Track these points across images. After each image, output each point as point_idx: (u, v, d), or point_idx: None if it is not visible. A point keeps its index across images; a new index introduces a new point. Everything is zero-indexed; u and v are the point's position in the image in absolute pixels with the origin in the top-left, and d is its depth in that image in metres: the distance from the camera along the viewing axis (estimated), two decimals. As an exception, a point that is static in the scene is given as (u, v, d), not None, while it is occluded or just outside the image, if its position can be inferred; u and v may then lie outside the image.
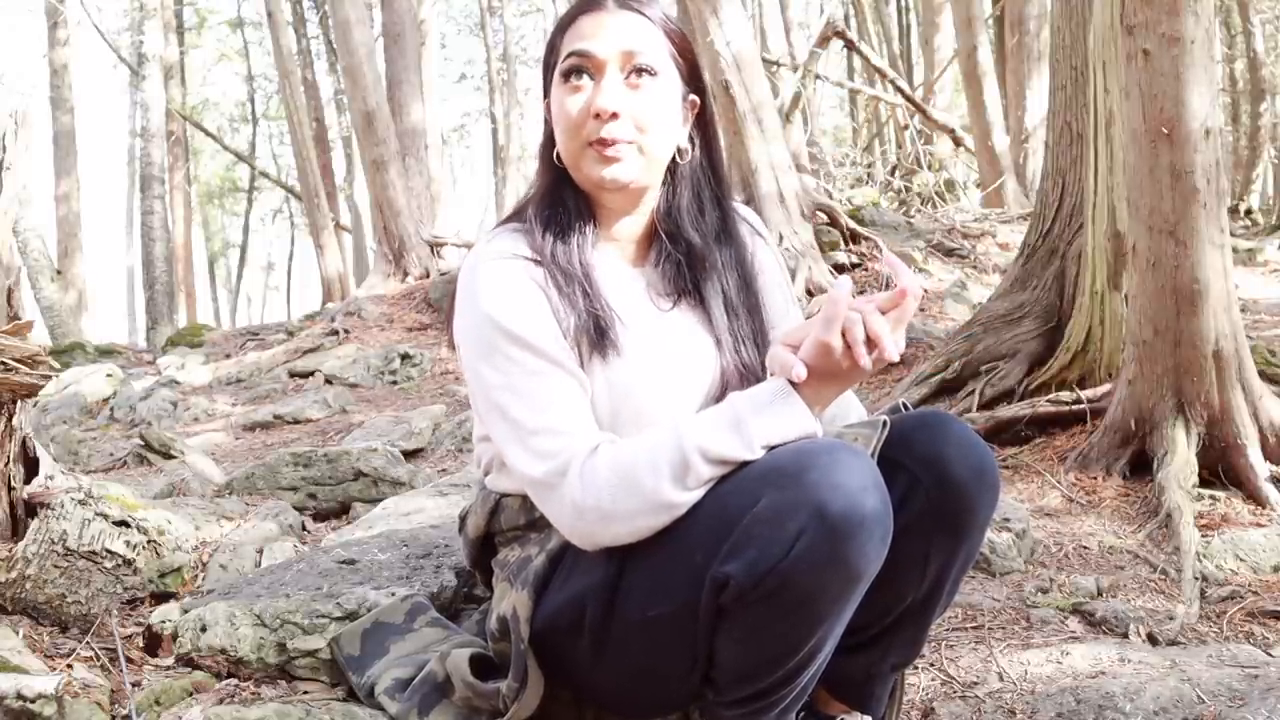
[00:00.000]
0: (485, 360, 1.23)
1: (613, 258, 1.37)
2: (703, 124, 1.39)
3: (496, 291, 1.24)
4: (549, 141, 1.35)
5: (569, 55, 1.29)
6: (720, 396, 1.33)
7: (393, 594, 1.66)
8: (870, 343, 1.08)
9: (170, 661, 1.67)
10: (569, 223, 1.32)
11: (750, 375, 1.35)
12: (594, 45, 1.28)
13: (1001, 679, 1.68)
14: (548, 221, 1.32)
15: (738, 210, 1.46)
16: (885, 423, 1.19)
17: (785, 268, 1.53)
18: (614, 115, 1.26)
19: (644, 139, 1.29)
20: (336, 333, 7.66)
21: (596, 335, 1.26)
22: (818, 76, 9.75)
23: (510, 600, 1.29)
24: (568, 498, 1.16)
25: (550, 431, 1.19)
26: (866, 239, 6.58)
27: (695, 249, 1.37)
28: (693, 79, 1.36)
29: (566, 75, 1.29)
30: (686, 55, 1.35)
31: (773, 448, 1.12)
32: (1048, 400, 3.22)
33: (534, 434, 1.19)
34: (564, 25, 1.33)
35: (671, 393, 1.31)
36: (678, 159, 1.36)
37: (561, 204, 1.33)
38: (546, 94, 1.36)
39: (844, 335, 1.08)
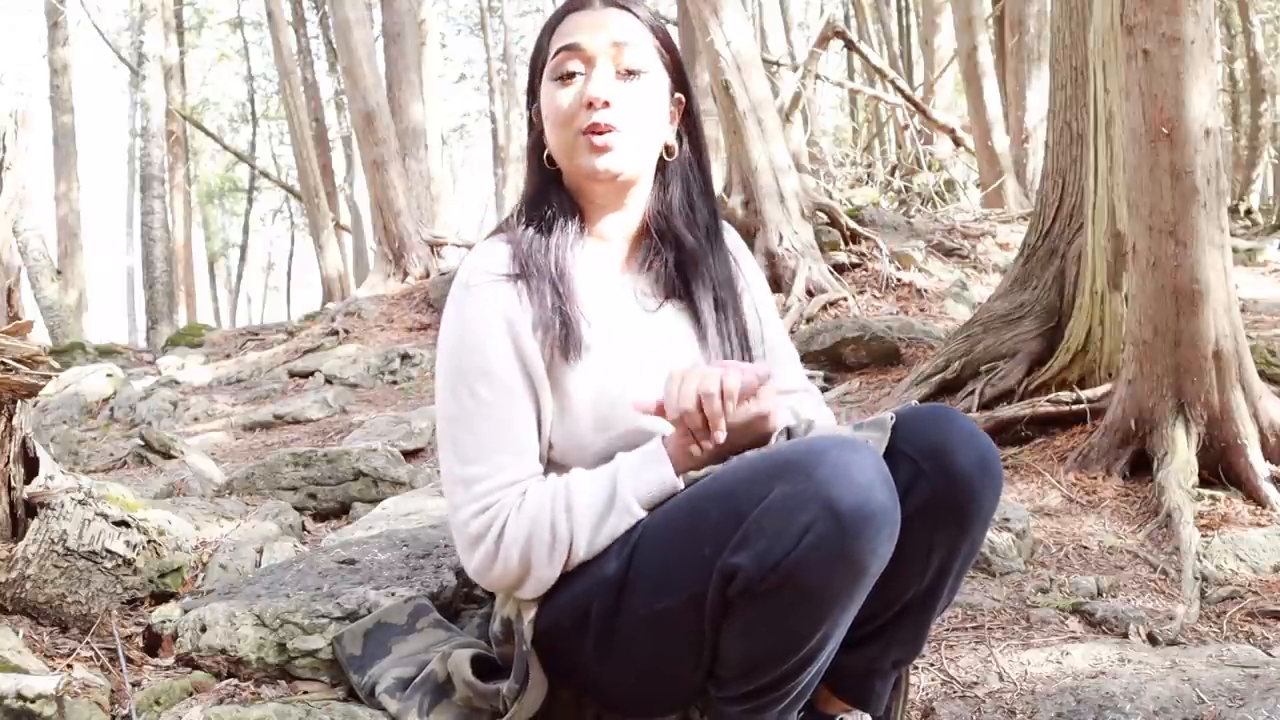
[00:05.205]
0: (448, 389, 1.28)
1: (601, 259, 1.38)
2: (689, 122, 1.41)
3: (464, 325, 1.28)
4: (537, 145, 1.37)
5: (559, 51, 1.31)
6: None
7: (393, 594, 1.66)
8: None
9: (170, 661, 1.67)
10: (552, 224, 1.34)
11: None
12: (583, 39, 1.31)
13: (1001, 679, 1.68)
14: (532, 224, 1.34)
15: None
16: (893, 418, 1.21)
17: (764, 280, 1.56)
18: (606, 104, 1.29)
19: (633, 131, 1.31)
20: (336, 333, 7.66)
21: (563, 336, 1.27)
22: (818, 76, 9.75)
23: (514, 602, 1.30)
24: (482, 558, 1.25)
25: (489, 479, 1.25)
26: (866, 239, 6.58)
27: (686, 247, 1.39)
28: (678, 77, 1.39)
29: (557, 70, 1.31)
30: (672, 52, 1.37)
31: (647, 503, 1.21)
32: (1048, 400, 3.22)
33: (476, 480, 1.25)
34: (551, 25, 1.35)
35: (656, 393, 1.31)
36: (666, 157, 1.38)
37: (548, 206, 1.35)
38: (534, 98, 1.38)
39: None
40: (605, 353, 1.31)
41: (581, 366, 1.29)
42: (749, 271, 1.50)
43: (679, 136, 1.40)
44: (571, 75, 1.31)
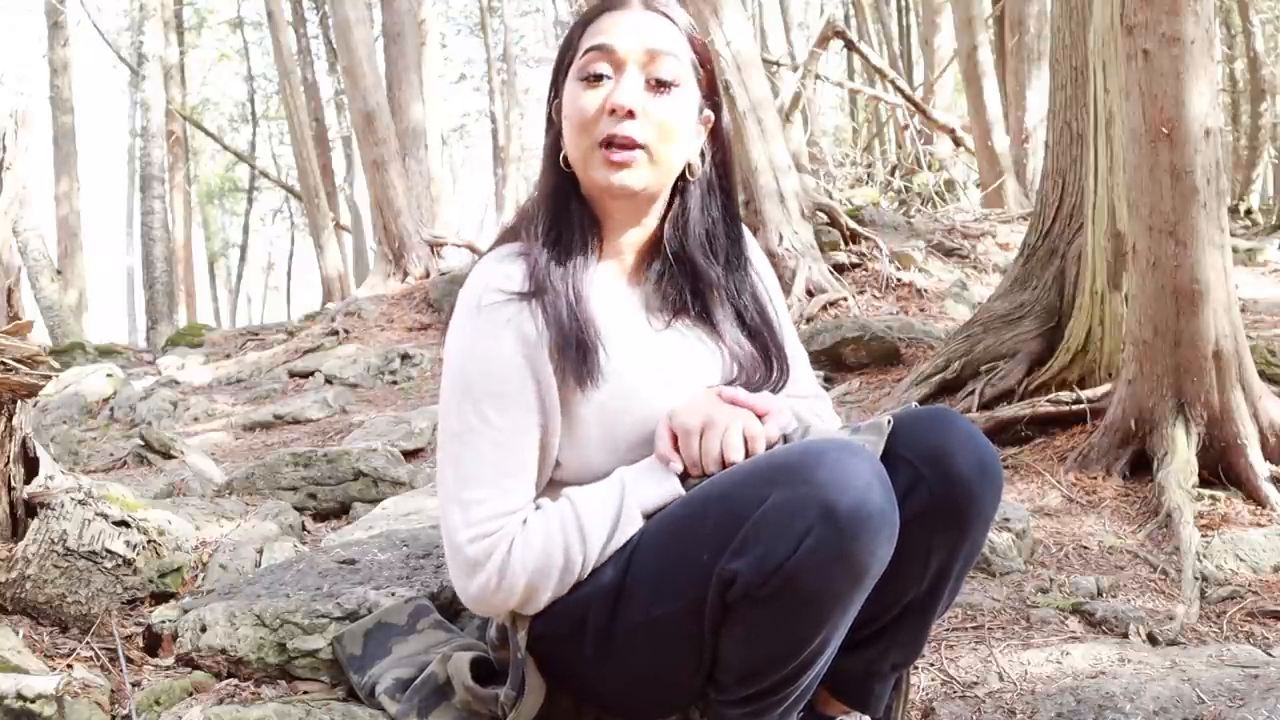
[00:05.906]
0: (454, 405, 1.23)
1: (612, 272, 1.34)
2: (716, 139, 1.35)
3: (476, 341, 1.22)
4: (555, 145, 1.30)
5: (589, 50, 1.24)
6: None
7: (393, 594, 1.66)
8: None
9: (170, 661, 1.67)
10: (571, 240, 1.27)
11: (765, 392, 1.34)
12: (616, 40, 1.24)
13: (1001, 679, 1.67)
14: (548, 238, 1.27)
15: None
16: (890, 421, 1.20)
17: (778, 286, 1.52)
18: (630, 113, 1.22)
19: (657, 146, 1.24)
20: (336, 333, 7.66)
21: (579, 363, 1.23)
22: (818, 76, 9.75)
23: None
24: (482, 586, 1.21)
25: (489, 504, 1.21)
26: (866, 239, 6.58)
27: (700, 272, 1.34)
28: (710, 92, 1.32)
29: (584, 70, 1.25)
30: (706, 66, 1.31)
31: (649, 513, 1.20)
32: (1048, 400, 3.22)
33: (476, 504, 1.21)
34: (585, 21, 1.28)
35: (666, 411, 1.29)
36: (688, 174, 1.32)
37: (565, 216, 1.29)
38: (556, 94, 1.31)
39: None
40: (616, 374, 1.27)
41: (594, 390, 1.25)
42: (764, 273, 1.45)
43: (702, 154, 1.33)
44: (599, 78, 1.23)
